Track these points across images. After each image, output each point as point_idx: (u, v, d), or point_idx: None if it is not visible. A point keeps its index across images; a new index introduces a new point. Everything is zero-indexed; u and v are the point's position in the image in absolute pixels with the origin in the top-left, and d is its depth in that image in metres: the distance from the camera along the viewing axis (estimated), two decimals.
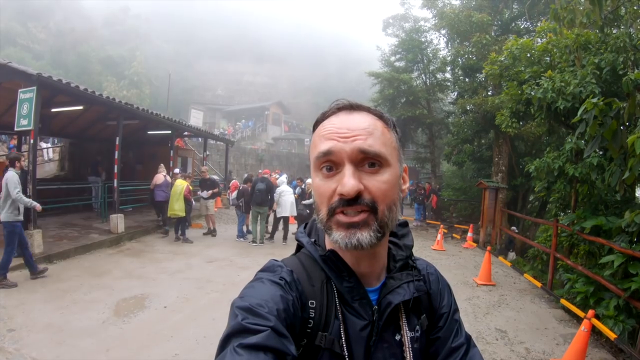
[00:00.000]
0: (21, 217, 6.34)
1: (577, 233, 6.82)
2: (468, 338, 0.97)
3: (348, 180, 0.77)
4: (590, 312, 4.51)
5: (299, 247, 0.96)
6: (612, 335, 4.78)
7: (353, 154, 0.79)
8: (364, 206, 0.78)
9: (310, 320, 0.83)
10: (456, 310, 1.01)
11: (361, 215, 0.78)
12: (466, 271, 9.02)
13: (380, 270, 0.91)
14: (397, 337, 0.88)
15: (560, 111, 6.54)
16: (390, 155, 0.83)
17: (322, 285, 0.86)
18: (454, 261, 10.17)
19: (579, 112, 4.59)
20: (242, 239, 11.15)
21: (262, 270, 0.88)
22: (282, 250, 10.32)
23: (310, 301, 0.84)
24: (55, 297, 5.78)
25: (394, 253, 0.94)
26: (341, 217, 0.79)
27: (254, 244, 10.70)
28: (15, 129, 7.48)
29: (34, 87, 7.07)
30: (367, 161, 0.80)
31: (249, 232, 11.57)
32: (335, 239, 0.80)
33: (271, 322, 0.71)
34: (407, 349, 0.88)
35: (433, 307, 0.98)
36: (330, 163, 0.81)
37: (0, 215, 6.18)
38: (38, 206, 6.45)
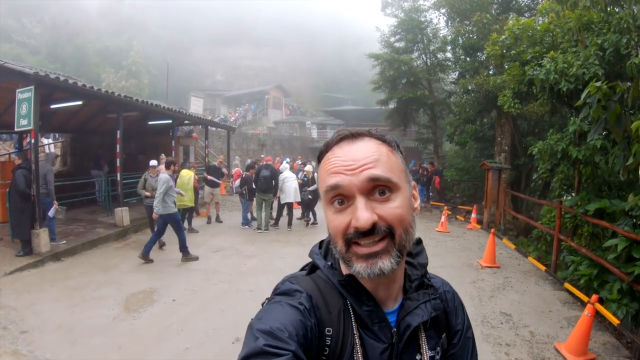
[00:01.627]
0: (176, 209, 7.85)
1: (581, 215, 6.81)
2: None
3: (362, 214, 0.77)
4: (594, 297, 4.54)
5: (314, 267, 0.96)
6: (615, 321, 4.82)
7: (362, 185, 0.78)
8: (382, 234, 0.78)
9: (326, 348, 0.83)
10: (469, 327, 1.02)
11: (380, 243, 0.78)
12: (471, 253, 9.06)
13: (397, 291, 0.91)
14: (417, 357, 0.89)
15: (564, 93, 6.46)
16: (399, 179, 0.82)
17: (339, 313, 0.86)
18: (459, 243, 10.21)
19: (583, 96, 4.54)
20: (246, 227, 11.22)
21: (279, 294, 0.88)
22: (287, 236, 10.39)
23: (327, 329, 0.84)
24: (64, 295, 5.84)
25: (409, 273, 0.94)
26: (359, 250, 0.79)
27: (259, 231, 10.76)
28: (16, 129, 7.46)
29: (32, 87, 7.01)
30: (378, 189, 0.79)
31: (253, 219, 11.63)
32: (357, 271, 0.80)
33: (292, 347, 0.72)
34: None
35: (450, 324, 0.98)
36: (341, 197, 0.80)
37: (159, 210, 7.66)
38: (156, 215, 7.82)
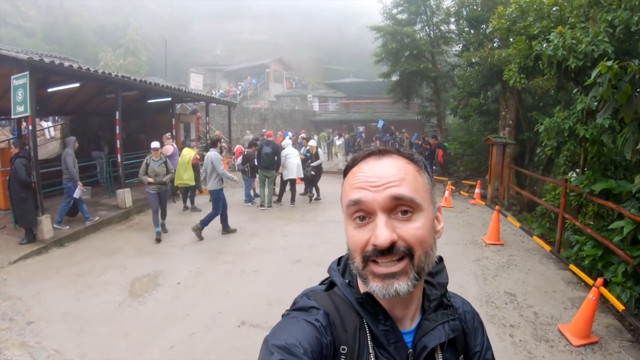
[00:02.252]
0: (223, 186, 8.48)
1: (587, 195, 6.74)
2: None
3: (381, 232, 0.75)
4: (599, 280, 4.51)
5: (332, 283, 0.94)
6: (620, 307, 4.80)
7: (385, 203, 0.77)
8: (400, 254, 0.77)
9: None
10: (489, 348, 1.00)
11: (398, 264, 0.77)
12: (475, 230, 9.05)
13: (415, 311, 0.90)
14: None
15: (571, 69, 6.29)
16: (423, 200, 0.80)
17: (355, 332, 0.84)
18: (462, 219, 10.20)
19: (593, 75, 4.41)
20: (249, 204, 11.26)
21: (296, 309, 0.88)
22: (291, 213, 10.46)
23: (342, 347, 0.83)
24: (69, 282, 5.87)
25: (428, 293, 0.92)
26: (377, 269, 0.78)
27: (262, 208, 10.79)
28: (13, 116, 7.38)
29: (26, 73, 6.88)
30: (400, 208, 0.78)
31: (256, 195, 11.63)
32: (373, 289, 0.79)
33: None
34: None
35: (468, 345, 0.97)
36: (363, 212, 0.79)
37: (207, 186, 8.49)
38: (236, 179, 8.84)
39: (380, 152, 0.84)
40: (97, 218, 8.80)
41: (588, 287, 5.47)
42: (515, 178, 13.12)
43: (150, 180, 7.90)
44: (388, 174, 0.79)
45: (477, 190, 12.91)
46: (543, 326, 4.80)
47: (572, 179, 7.76)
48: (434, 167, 17.98)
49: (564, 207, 7.39)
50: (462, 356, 0.94)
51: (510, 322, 4.90)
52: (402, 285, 0.77)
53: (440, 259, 0.95)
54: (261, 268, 6.48)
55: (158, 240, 7.94)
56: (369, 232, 0.78)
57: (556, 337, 4.55)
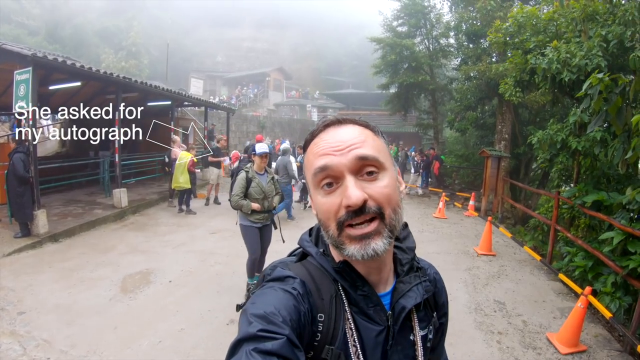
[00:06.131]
0: None
1: (578, 207, 6.81)
2: None
3: (352, 191, 0.78)
4: (588, 289, 4.56)
5: (303, 254, 0.96)
6: (608, 315, 4.85)
7: (352, 164, 0.80)
8: (372, 214, 0.79)
9: (318, 334, 0.84)
10: (447, 299, 1.09)
11: (371, 224, 0.80)
12: (467, 240, 9.07)
13: (388, 275, 0.93)
14: (411, 337, 0.92)
15: (565, 83, 6.40)
16: (386, 159, 0.84)
17: (331, 299, 0.87)
18: (455, 229, 10.23)
19: (584, 87, 4.51)
20: None
21: (272, 280, 0.88)
22: (285, 219, 10.38)
23: (319, 314, 0.85)
24: (62, 276, 5.86)
25: (399, 257, 0.96)
26: (352, 231, 0.80)
27: None
28: (14, 111, 7.41)
29: (30, 68, 6.93)
30: (366, 169, 0.81)
31: None
32: (351, 253, 0.81)
33: (286, 331, 0.73)
34: (419, 348, 0.92)
35: (437, 304, 1.03)
36: (330, 178, 0.82)
37: None
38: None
39: (339, 122, 0.87)
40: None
41: (578, 297, 5.49)
42: (509, 191, 13.20)
43: (256, 206, 5.08)
44: (350, 137, 0.83)
45: (471, 202, 12.96)
46: (531, 334, 4.82)
47: (564, 192, 7.85)
48: (429, 179, 18.06)
49: (557, 219, 7.46)
50: (435, 313, 1.01)
51: (498, 329, 4.92)
52: (378, 244, 0.79)
53: (406, 225, 0.99)
54: None
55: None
56: (338, 196, 0.80)
57: (544, 345, 4.57)
